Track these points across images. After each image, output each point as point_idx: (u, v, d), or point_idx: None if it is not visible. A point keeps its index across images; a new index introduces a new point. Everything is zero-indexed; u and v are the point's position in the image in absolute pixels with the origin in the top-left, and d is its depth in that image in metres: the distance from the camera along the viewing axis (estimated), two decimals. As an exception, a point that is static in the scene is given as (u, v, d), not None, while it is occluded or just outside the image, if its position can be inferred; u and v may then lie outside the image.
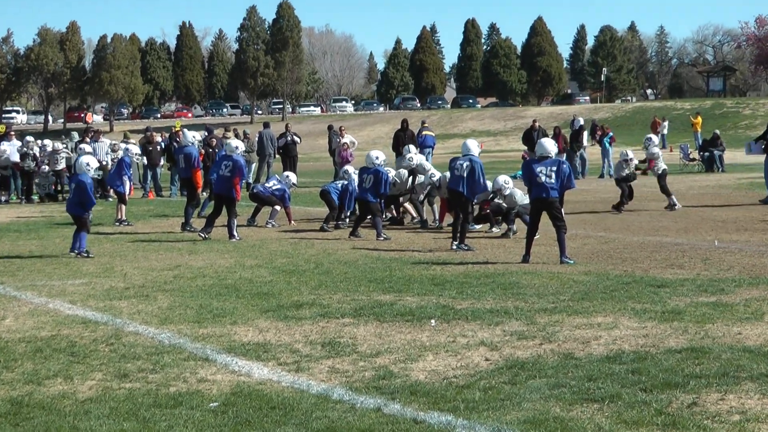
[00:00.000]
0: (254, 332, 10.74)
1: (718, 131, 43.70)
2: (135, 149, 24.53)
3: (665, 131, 61.42)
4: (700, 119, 59.94)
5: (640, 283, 13.34)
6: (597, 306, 11.74)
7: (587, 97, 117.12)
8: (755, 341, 9.67)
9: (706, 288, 12.84)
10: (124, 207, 23.32)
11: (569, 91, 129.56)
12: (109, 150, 31.99)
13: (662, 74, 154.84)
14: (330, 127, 38.96)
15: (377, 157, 20.27)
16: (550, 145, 16.14)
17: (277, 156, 36.63)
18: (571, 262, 15.48)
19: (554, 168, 15.73)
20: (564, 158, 37.43)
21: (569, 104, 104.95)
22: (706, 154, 40.44)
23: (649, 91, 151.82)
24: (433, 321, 11.07)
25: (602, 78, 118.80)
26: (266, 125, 37.48)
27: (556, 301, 12.18)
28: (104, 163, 30.50)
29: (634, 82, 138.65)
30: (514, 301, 12.22)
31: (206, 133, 32.71)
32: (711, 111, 79.09)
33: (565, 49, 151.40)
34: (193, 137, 22.68)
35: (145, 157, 31.64)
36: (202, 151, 26.89)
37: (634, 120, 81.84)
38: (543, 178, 15.66)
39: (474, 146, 17.92)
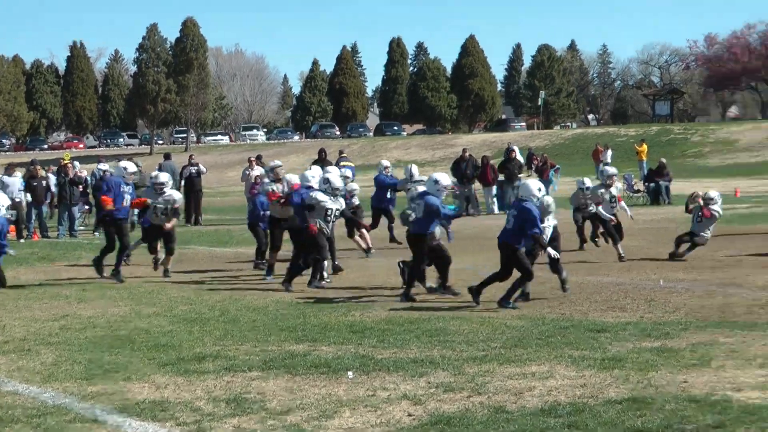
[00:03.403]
0: (150, 389, 10.66)
1: (664, 160, 44.40)
2: (131, 167, 23.56)
3: (608, 160, 62.18)
4: (645, 147, 60.89)
5: (578, 328, 13.49)
6: (531, 354, 11.85)
7: (523, 123, 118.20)
8: (701, 390, 9.82)
9: (650, 332, 13.03)
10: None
11: (504, 116, 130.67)
12: (22, 186, 31.55)
13: (605, 97, 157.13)
14: (259, 157, 38.60)
15: (313, 177, 19.65)
16: (534, 188, 16.08)
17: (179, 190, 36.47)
18: (510, 306, 15.59)
19: (515, 212, 15.83)
20: (494, 191, 38.18)
21: (504, 131, 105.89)
22: (652, 184, 41.03)
23: (590, 116, 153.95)
24: (350, 373, 11.08)
25: (539, 102, 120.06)
26: (167, 156, 37.30)
27: (486, 348, 12.27)
28: (18, 200, 30.01)
29: (575, 106, 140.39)
30: (441, 350, 12.28)
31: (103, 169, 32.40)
32: (657, 138, 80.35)
33: (499, 71, 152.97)
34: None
35: (29, 194, 31.29)
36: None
37: (574, 148, 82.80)
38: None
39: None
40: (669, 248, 21.77)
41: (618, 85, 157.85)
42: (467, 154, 38.76)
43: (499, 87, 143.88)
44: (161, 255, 20.93)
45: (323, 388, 10.48)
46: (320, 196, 18.77)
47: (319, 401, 9.94)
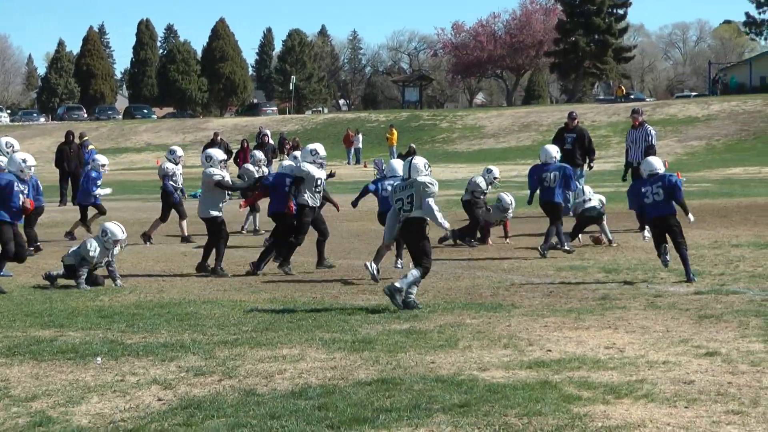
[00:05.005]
0: None
1: (413, 145, 45.32)
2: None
3: (359, 145, 63.16)
4: (395, 133, 61.97)
5: (329, 311, 13.63)
6: (282, 337, 11.90)
7: (275, 108, 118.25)
8: (448, 370, 10.06)
9: (399, 315, 13.27)
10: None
11: (255, 100, 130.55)
12: None
13: (355, 83, 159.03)
14: None
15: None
16: (658, 163, 16.51)
17: None
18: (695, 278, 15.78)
19: (659, 185, 16.07)
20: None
21: (255, 115, 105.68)
22: (402, 169, 41.72)
23: (341, 101, 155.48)
24: (98, 358, 10.89)
25: (291, 87, 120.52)
26: None
27: (238, 332, 12.26)
28: None
29: (326, 91, 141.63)
30: (192, 334, 12.22)
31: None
32: (407, 123, 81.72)
33: (250, 55, 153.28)
34: None
35: None
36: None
37: (326, 133, 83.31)
38: (651, 198, 16.00)
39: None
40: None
41: (368, 71, 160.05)
42: (219, 137, 38.70)
43: (251, 71, 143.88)
44: None
45: (70, 374, 10.28)
46: (309, 167, 18.33)
47: (66, 387, 9.74)
